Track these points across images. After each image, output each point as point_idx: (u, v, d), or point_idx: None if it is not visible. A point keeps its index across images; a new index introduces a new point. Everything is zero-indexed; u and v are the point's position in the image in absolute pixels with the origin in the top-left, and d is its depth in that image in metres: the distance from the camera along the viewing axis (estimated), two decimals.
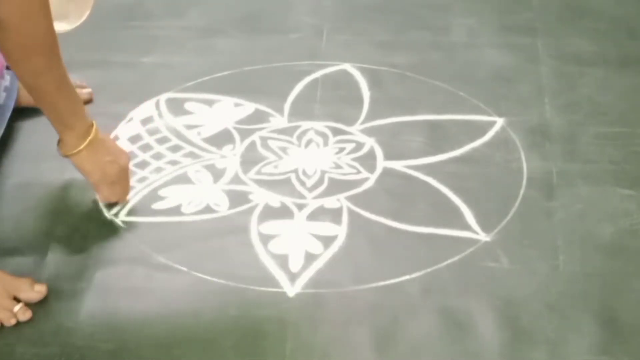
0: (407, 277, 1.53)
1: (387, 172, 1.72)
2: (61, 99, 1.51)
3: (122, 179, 1.63)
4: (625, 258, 1.55)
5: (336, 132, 1.81)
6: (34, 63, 1.44)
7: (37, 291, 1.48)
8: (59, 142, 1.56)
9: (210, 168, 1.74)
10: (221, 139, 1.80)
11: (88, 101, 1.83)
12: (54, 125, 1.54)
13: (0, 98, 1.65)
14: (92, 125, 1.56)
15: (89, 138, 1.55)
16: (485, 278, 1.52)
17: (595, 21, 2.08)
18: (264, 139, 1.80)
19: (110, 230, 1.62)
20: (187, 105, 1.88)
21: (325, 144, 1.79)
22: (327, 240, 1.59)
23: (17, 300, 1.47)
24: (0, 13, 1.35)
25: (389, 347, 1.42)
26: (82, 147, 1.55)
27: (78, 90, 1.64)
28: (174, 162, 1.75)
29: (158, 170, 1.73)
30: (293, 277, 1.53)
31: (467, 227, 1.61)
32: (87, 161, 1.57)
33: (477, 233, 1.60)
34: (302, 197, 1.68)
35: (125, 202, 1.65)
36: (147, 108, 1.87)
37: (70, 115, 1.53)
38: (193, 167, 1.74)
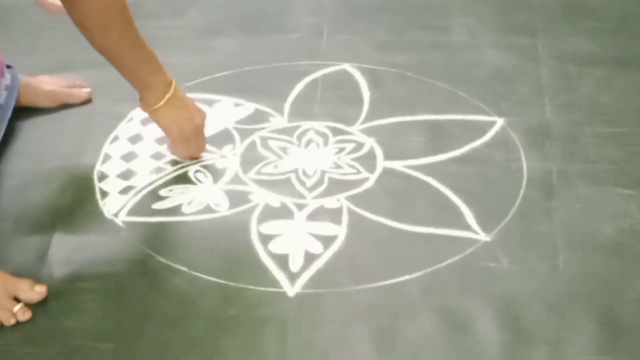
0: (407, 277, 1.53)
1: (387, 172, 1.72)
2: (140, 60, 1.55)
3: (198, 136, 1.70)
4: (625, 258, 1.55)
5: (336, 132, 1.81)
6: (114, 29, 1.48)
7: (37, 292, 1.48)
8: (140, 98, 1.62)
9: (210, 168, 1.74)
10: (221, 139, 1.80)
11: (88, 101, 1.84)
12: (134, 84, 1.59)
13: (1, 97, 1.65)
14: (171, 83, 1.60)
15: (168, 95, 1.60)
16: (485, 278, 1.52)
17: (595, 21, 2.08)
18: (264, 139, 1.80)
19: (110, 230, 1.62)
20: None
21: (325, 144, 1.79)
22: (327, 240, 1.59)
23: (17, 300, 1.47)
24: None
25: (389, 347, 1.42)
26: (161, 103, 1.60)
27: (77, 90, 1.64)
28: (174, 162, 1.75)
29: (158, 170, 1.73)
30: (293, 277, 1.53)
31: (467, 227, 1.61)
32: (166, 117, 1.63)
33: (477, 233, 1.60)
34: (302, 197, 1.68)
35: (199, 159, 1.72)
36: None
37: (150, 74, 1.58)
38: (193, 167, 1.74)
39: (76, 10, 1.45)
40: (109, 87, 1.88)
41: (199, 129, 1.70)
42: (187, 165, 1.74)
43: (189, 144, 1.70)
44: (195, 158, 1.73)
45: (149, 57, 1.58)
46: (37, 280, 1.52)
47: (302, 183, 1.70)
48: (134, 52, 1.55)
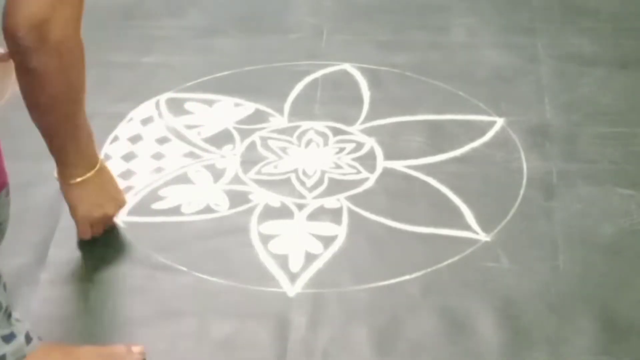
0: (407, 277, 1.53)
1: (387, 172, 1.72)
2: (72, 143, 1.47)
3: (103, 224, 1.59)
4: (625, 258, 1.55)
5: (336, 132, 1.81)
6: (60, 113, 1.41)
7: (138, 352, 1.40)
8: (58, 172, 1.53)
9: (210, 168, 1.74)
10: (221, 139, 1.80)
11: None
12: (58, 161, 1.51)
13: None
14: (94, 165, 1.51)
15: (87, 177, 1.51)
16: (485, 278, 1.52)
17: (595, 21, 2.08)
18: (264, 139, 1.80)
19: (110, 230, 1.62)
20: (187, 105, 1.88)
21: (325, 144, 1.79)
22: (327, 240, 1.59)
23: None
24: (42, 66, 1.30)
25: (389, 347, 1.42)
26: (76, 181, 1.51)
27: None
28: (174, 162, 1.75)
29: (158, 170, 1.73)
30: (293, 277, 1.53)
31: (467, 227, 1.61)
32: (75, 197, 1.53)
33: (477, 233, 1.60)
34: (302, 197, 1.68)
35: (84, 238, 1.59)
36: (147, 108, 1.87)
37: (76, 155, 1.49)
38: (193, 167, 1.74)
39: (33, 91, 1.36)
40: (109, 87, 1.88)
41: (107, 220, 1.59)
42: (188, 165, 1.74)
43: (90, 227, 1.58)
44: (85, 238, 1.59)
45: (86, 138, 1.48)
46: (37, 280, 1.52)
47: (302, 183, 1.70)
48: (72, 133, 1.46)
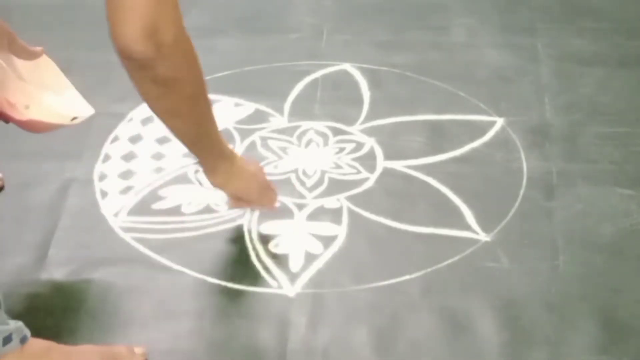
0: (407, 277, 1.53)
1: (387, 172, 1.72)
2: (216, 134, 1.43)
3: (268, 182, 1.60)
4: (625, 258, 1.55)
5: (336, 132, 1.81)
6: (200, 110, 1.37)
7: (140, 354, 1.40)
8: (209, 174, 1.50)
9: None
10: None
11: None
12: (207, 162, 1.47)
13: None
14: (232, 148, 1.51)
15: (235, 159, 1.50)
16: (485, 278, 1.52)
17: (595, 21, 2.08)
18: (264, 139, 1.80)
19: (110, 230, 1.62)
20: None
21: (325, 144, 1.79)
22: (327, 240, 1.59)
23: None
24: (169, 72, 1.26)
25: (389, 347, 1.42)
26: (234, 171, 1.49)
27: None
28: (174, 162, 1.75)
29: (158, 170, 1.73)
30: (293, 277, 1.53)
31: (467, 227, 1.61)
32: (242, 181, 1.52)
33: (477, 233, 1.60)
34: (302, 197, 1.68)
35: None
36: (147, 108, 1.87)
37: (221, 146, 1.46)
38: (193, 167, 1.74)
39: (168, 100, 1.31)
40: (109, 87, 1.88)
41: (264, 173, 1.60)
42: (188, 165, 1.74)
43: (269, 191, 1.60)
44: (272, 204, 1.61)
45: (218, 127, 1.44)
46: (36, 280, 1.52)
47: (302, 183, 1.70)
48: (214, 126, 1.42)
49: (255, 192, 1.56)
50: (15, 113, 1.45)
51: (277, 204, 1.62)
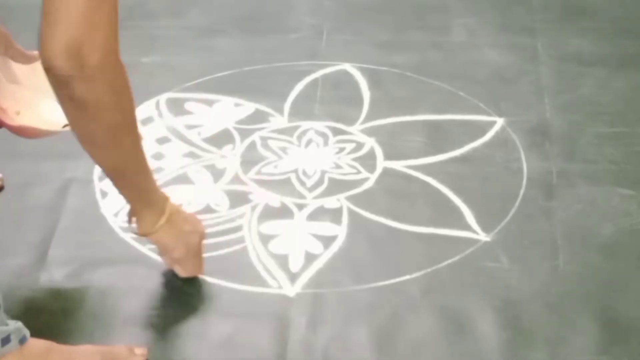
0: (407, 277, 1.53)
1: (387, 172, 1.72)
2: (143, 175, 1.37)
3: (201, 249, 1.51)
4: (625, 258, 1.55)
5: (336, 132, 1.81)
6: (122, 143, 1.30)
7: (140, 354, 1.39)
8: (136, 220, 1.42)
9: (210, 168, 1.74)
10: (221, 139, 1.80)
11: None
12: (133, 205, 1.40)
13: None
14: (167, 197, 1.42)
15: (168, 211, 1.42)
16: (485, 278, 1.52)
17: (595, 21, 2.08)
18: (264, 139, 1.80)
19: (110, 230, 1.62)
20: (187, 105, 1.88)
21: (325, 144, 1.79)
22: (327, 240, 1.59)
23: None
24: (87, 95, 1.20)
25: (389, 347, 1.42)
26: (162, 221, 1.41)
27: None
28: (174, 162, 1.75)
29: (158, 170, 1.73)
30: (293, 277, 1.53)
31: (467, 227, 1.61)
32: (169, 236, 1.44)
33: (477, 233, 1.60)
34: (302, 197, 1.68)
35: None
36: (147, 108, 1.87)
37: (150, 190, 1.39)
38: (193, 167, 1.74)
39: (86, 125, 1.25)
40: None
41: (203, 238, 1.50)
42: (188, 165, 1.74)
43: (197, 259, 1.50)
44: (201, 274, 1.53)
45: (150, 170, 1.38)
46: (36, 280, 1.52)
47: (302, 183, 1.70)
48: (140, 165, 1.35)
49: (180, 253, 1.47)
50: (7, 118, 1.44)
51: (201, 275, 1.52)
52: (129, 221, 1.43)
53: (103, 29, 1.18)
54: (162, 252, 1.49)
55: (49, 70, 1.19)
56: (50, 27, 1.17)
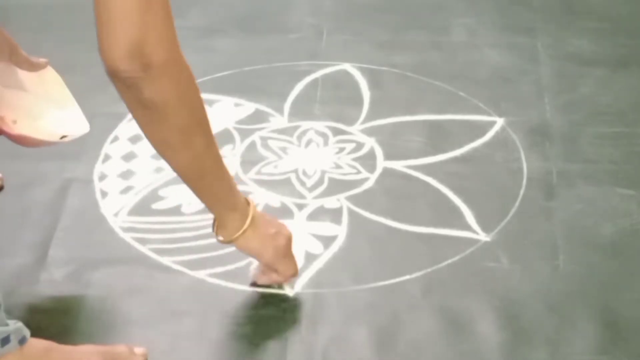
0: (407, 277, 1.53)
1: (387, 172, 1.72)
2: (221, 178, 1.35)
3: (291, 250, 1.48)
4: (625, 258, 1.55)
5: (336, 132, 1.81)
6: (196, 144, 1.28)
7: (140, 354, 1.39)
8: (218, 227, 1.41)
9: None
10: (221, 139, 1.79)
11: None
12: (214, 210, 1.39)
13: None
14: (249, 201, 1.40)
15: (251, 214, 1.39)
16: (485, 278, 1.52)
17: (595, 21, 2.08)
18: (264, 139, 1.80)
19: (110, 230, 1.62)
20: None
21: (325, 144, 1.79)
22: (327, 240, 1.59)
23: None
24: (156, 96, 1.19)
25: (389, 347, 1.42)
26: (246, 226, 1.39)
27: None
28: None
29: (158, 170, 1.73)
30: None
31: (467, 227, 1.61)
32: (255, 240, 1.41)
33: (477, 233, 1.60)
34: (302, 197, 1.68)
35: (296, 278, 1.51)
36: None
37: (230, 193, 1.37)
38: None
39: (158, 128, 1.24)
40: (109, 87, 1.87)
41: (291, 241, 1.47)
42: None
43: (287, 260, 1.47)
44: (295, 276, 1.50)
45: (228, 173, 1.36)
46: (36, 280, 1.52)
47: (302, 183, 1.70)
48: (217, 167, 1.34)
49: (269, 256, 1.45)
50: (5, 126, 1.44)
51: (294, 278, 1.50)
52: (214, 230, 1.41)
53: (161, 26, 1.16)
54: (253, 258, 1.46)
55: (114, 75, 1.17)
56: (108, 32, 1.14)
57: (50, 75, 1.49)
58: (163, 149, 1.29)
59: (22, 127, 1.44)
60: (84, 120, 1.50)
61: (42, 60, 1.48)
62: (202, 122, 1.28)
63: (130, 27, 1.14)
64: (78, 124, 1.49)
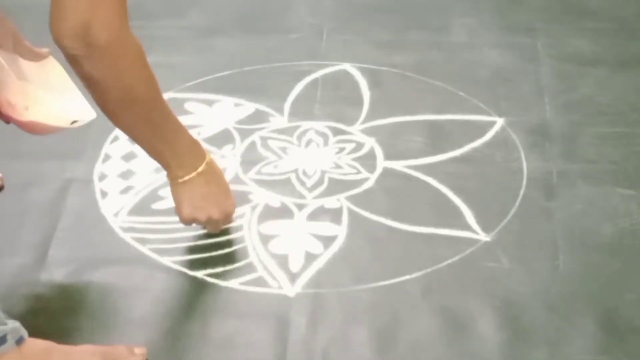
0: (407, 277, 1.53)
1: (387, 172, 1.72)
2: (161, 144, 1.45)
3: (212, 225, 1.56)
4: (625, 258, 1.55)
5: (336, 132, 1.81)
6: (132, 115, 1.39)
7: (139, 354, 1.40)
8: (167, 168, 1.51)
9: None
10: (221, 139, 1.80)
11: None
12: (161, 159, 1.49)
13: None
14: (199, 164, 1.49)
15: (188, 176, 1.49)
16: (485, 278, 1.52)
17: (595, 21, 2.08)
18: (264, 139, 1.80)
19: (110, 230, 1.62)
20: (187, 105, 1.88)
21: (325, 144, 1.79)
22: (327, 240, 1.59)
23: None
24: (95, 73, 1.31)
25: (389, 347, 1.42)
26: (178, 181, 1.49)
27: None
28: None
29: (158, 170, 1.73)
30: (293, 277, 1.53)
31: (467, 227, 1.61)
32: (179, 195, 1.51)
33: (477, 233, 1.60)
34: (302, 197, 1.68)
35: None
36: None
37: (171, 156, 1.47)
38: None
39: (97, 98, 1.36)
40: None
41: (215, 223, 1.56)
42: None
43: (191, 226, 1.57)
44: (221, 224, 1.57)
45: (178, 139, 1.47)
46: (36, 280, 1.52)
47: (302, 183, 1.70)
48: (160, 135, 1.44)
49: (207, 214, 1.53)
50: (15, 113, 1.45)
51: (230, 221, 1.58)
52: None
53: (110, 10, 1.27)
54: (195, 207, 1.52)
55: (60, 48, 1.28)
56: (59, 9, 1.25)
57: (52, 65, 1.51)
58: (106, 115, 1.39)
59: (33, 114, 1.45)
60: (89, 106, 1.51)
61: (45, 50, 1.51)
62: (145, 97, 1.38)
63: (78, 8, 1.25)
64: (85, 110, 1.51)
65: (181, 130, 1.47)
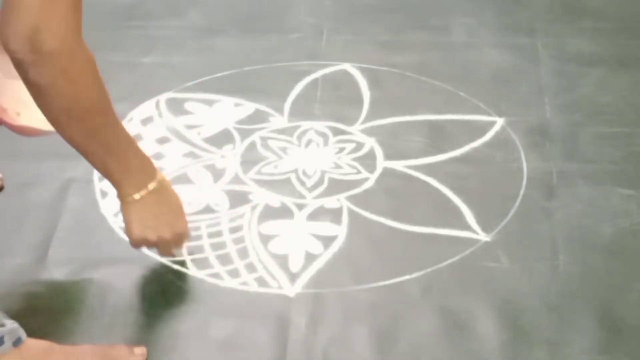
0: (407, 277, 1.53)
1: (387, 172, 1.72)
2: (112, 160, 1.37)
3: (165, 246, 1.50)
4: (625, 258, 1.55)
5: (336, 132, 1.81)
6: (79, 127, 1.31)
7: (139, 354, 1.39)
8: (118, 186, 1.43)
9: (210, 168, 1.74)
10: (221, 139, 1.80)
11: None
12: (111, 176, 1.41)
13: None
14: (148, 182, 1.42)
15: (138, 195, 1.41)
16: (485, 278, 1.52)
17: (595, 21, 2.08)
18: (264, 139, 1.80)
19: (110, 230, 1.62)
20: (187, 105, 1.88)
21: (325, 144, 1.79)
22: (327, 240, 1.59)
23: None
24: (40, 79, 1.24)
25: (389, 347, 1.42)
26: (128, 199, 1.41)
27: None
28: (174, 162, 1.75)
29: None
30: (293, 277, 1.53)
31: (467, 227, 1.61)
32: (128, 214, 1.43)
33: (477, 233, 1.60)
34: (302, 197, 1.68)
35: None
36: (147, 108, 1.87)
37: (121, 173, 1.39)
38: (193, 167, 1.74)
39: (41, 105, 1.29)
40: (109, 87, 1.87)
41: (167, 244, 1.48)
42: (188, 165, 1.74)
43: (141, 248, 1.50)
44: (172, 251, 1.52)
45: (129, 156, 1.39)
46: (36, 280, 1.52)
47: (302, 183, 1.70)
48: (109, 150, 1.36)
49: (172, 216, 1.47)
50: (7, 118, 1.45)
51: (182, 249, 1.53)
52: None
53: (61, 17, 1.21)
54: (145, 227, 1.45)
55: (7, 52, 1.23)
56: (8, 11, 1.20)
57: None
58: (53, 125, 1.32)
59: (25, 119, 1.45)
60: None
61: None
62: (94, 109, 1.31)
63: (28, 13, 1.19)
64: None
65: (133, 146, 1.40)
